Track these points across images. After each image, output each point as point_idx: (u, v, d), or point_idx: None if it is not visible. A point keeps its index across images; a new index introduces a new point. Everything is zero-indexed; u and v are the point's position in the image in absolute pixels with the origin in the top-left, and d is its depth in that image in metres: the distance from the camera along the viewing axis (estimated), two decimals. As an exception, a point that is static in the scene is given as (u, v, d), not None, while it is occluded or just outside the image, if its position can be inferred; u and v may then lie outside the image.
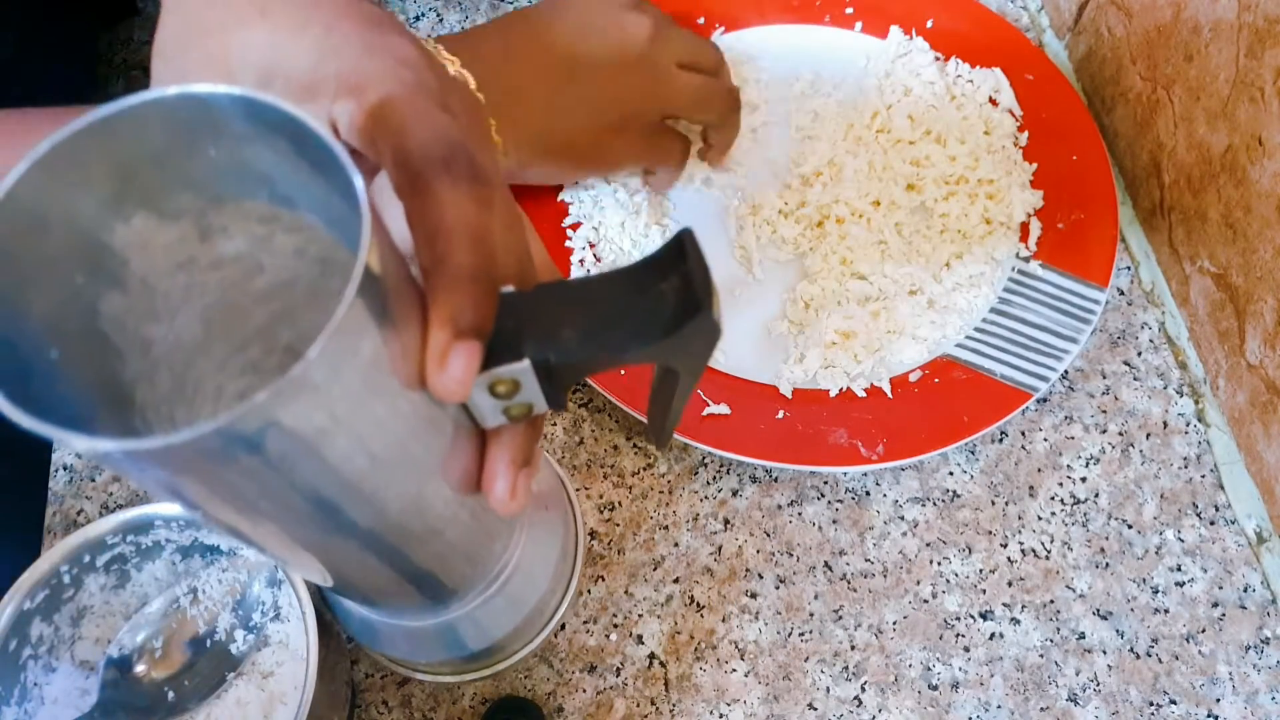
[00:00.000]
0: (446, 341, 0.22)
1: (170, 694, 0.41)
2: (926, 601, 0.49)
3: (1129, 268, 0.58)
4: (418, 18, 0.66)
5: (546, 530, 0.41)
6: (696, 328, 0.24)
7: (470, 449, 0.27)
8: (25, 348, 0.21)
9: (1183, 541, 0.50)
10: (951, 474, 0.52)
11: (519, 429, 0.27)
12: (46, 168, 0.20)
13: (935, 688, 0.47)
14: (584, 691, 0.47)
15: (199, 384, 0.27)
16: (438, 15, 0.67)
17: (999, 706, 0.47)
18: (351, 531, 0.26)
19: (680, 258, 0.25)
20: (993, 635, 0.48)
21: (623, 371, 0.51)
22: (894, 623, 0.48)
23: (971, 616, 0.49)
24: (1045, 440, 0.53)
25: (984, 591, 0.49)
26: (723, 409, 0.51)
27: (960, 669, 0.48)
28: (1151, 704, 0.47)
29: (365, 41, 0.27)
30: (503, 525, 0.36)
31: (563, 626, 0.48)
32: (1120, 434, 0.53)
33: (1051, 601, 0.49)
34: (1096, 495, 0.52)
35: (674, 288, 0.25)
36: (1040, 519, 0.51)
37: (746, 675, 0.47)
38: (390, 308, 0.21)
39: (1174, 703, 0.47)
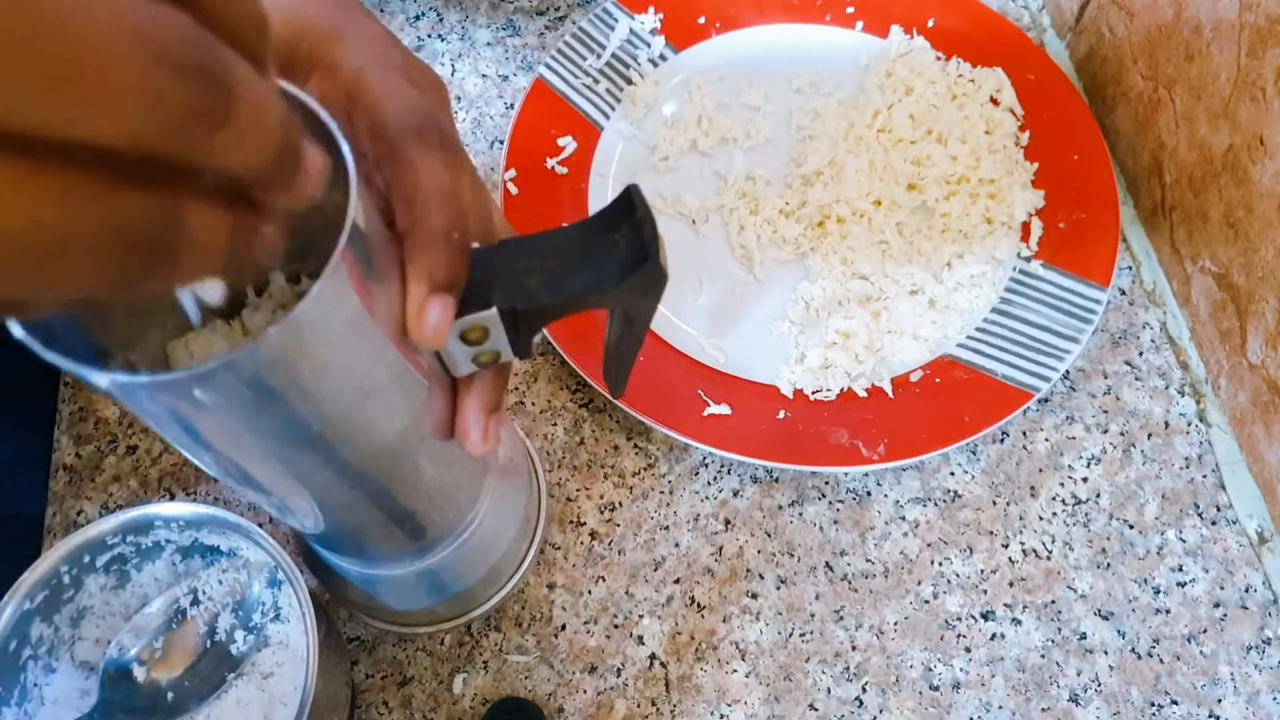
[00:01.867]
0: (424, 295, 0.25)
1: (170, 695, 0.41)
2: (928, 602, 0.49)
3: (1130, 267, 0.58)
4: (418, 17, 0.66)
5: (512, 487, 0.43)
6: (646, 273, 0.27)
7: (444, 397, 0.30)
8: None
9: (1184, 542, 0.50)
10: (953, 474, 0.52)
11: (488, 377, 0.30)
12: None
13: (936, 688, 0.47)
14: (584, 692, 0.47)
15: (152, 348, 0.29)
16: (438, 15, 0.66)
17: (1000, 707, 0.47)
18: (341, 469, 0.29)
19: (630, 210, 0.27)
20: (994, 636, 0.48)
21: (623, 371, 0.51)
22: (895, 623, 0.48)
23: (973, 617, 0.49)
24: (1046, 440, 0.53)
25: (985, 592, 0.49)
26: (723, 409, 0.51)
27: (961, 669, 0.47)
28: (1153, 704, 0.47)
29: (334, 21, 0.29)
30: (473, 475, 0.38)
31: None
32: (1122, 434, 0.53)
33: (1053, 602, 0.49)
34: (1098, 495, 0.51)
35: (625, 238, 0.27)
36: (1041, 519, 0.51)
37: (747, 676, 0.47)
38: (374, 261, 0.24)
39: (1175, 703, 0.47)
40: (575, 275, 0.27)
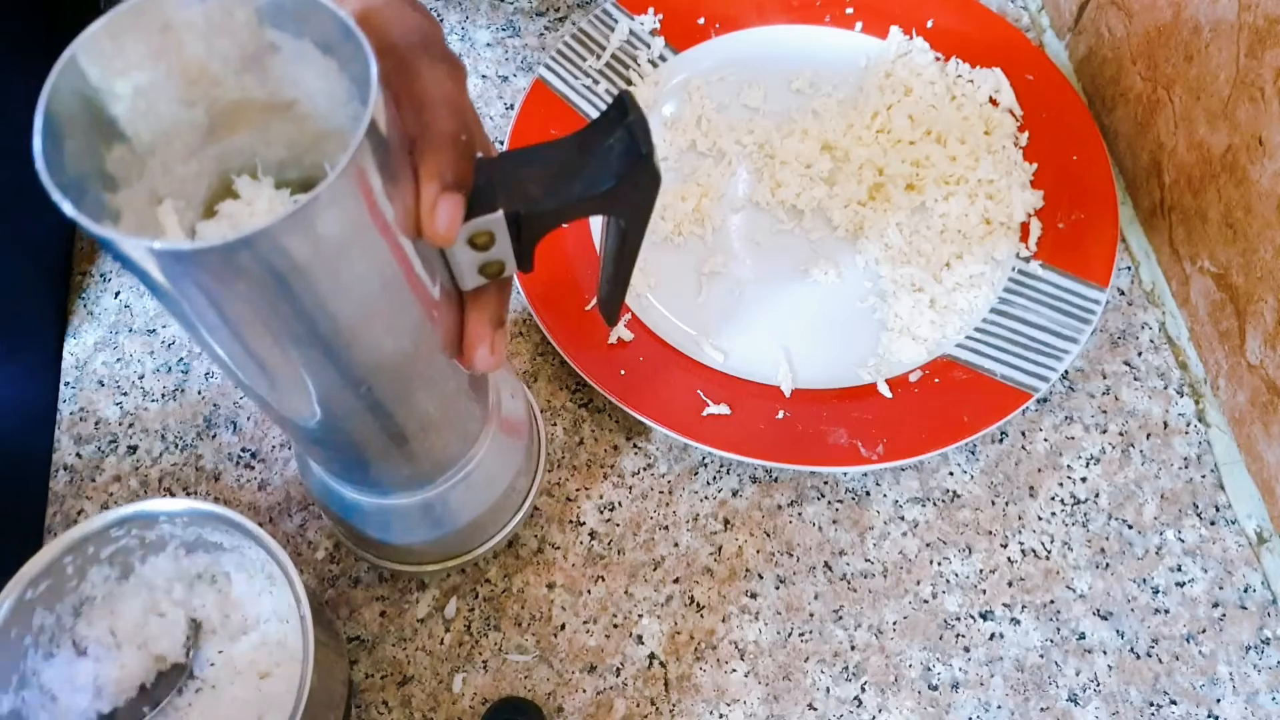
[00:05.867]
0: (436, 193, 0.26)
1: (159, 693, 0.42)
2: (927, 602, 0.49)
3: (1129, 268, 0.58)
4: (418, 18, 0.66)
5: (513, 424, 0.44)
6: (640, 173, 0.28)
7: (453, 311, 0.32)
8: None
9: (1183, 542, 0.50)
10: (952, 474, 0.52)
11: (492, 291, 0.32)
12: (93, 41, 0.24)
13: (935, 688, 0.47)
14: (584, 691, 0.47)
15: None
16: (437, 15, 0.67)
17: (999, 707, 0.47)
18: (348, 373, 0.30)
19: (623, 114, 0.28)
20: (993, 635, 0.48)
21: (623, 371, 0.52)
22: (894, 623, 0.48)
23: (971, 617, 0.49)
24: (1045, 440, 0.53)
25: (984, 592, 0.49)
26: (723, 409, 0.51)
27: (960, 669, 0.48)
28: (1152, 704, 0.47)
29: None
30: (473, 412, 0.40)
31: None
32: (1120, 434, 0.53)
33: (1052, 602, 0.49)
34: (1097, 495, 0.51)
35: (619, 140, 0.28)
36: (1040, 519, 0.51)
37: (746, 675, 0.47)
38: (390, 161, 0.25)
39: (1174, 703, 0.47)
40: (574, 178, 0.29)
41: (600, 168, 0.29)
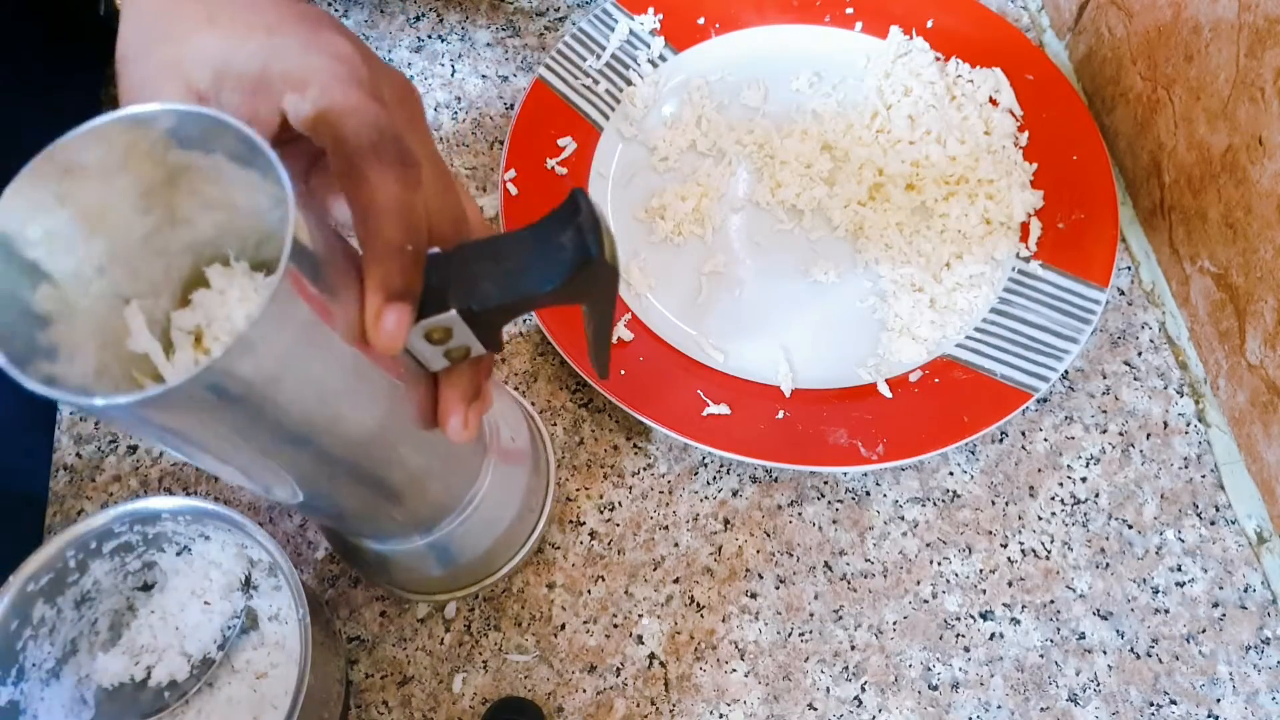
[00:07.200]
0: (380, 304, 0.27)
1: (166, 694, 0.41)
2: (927, 602, 0.49)
3: (1129, 268, 0.58)
4: (418, 18, 0.66)
5: (515, 457, 0.44)
6: (590, 272, 0.29)
7: (424, 389, 0.32)
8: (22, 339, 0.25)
9: (1183, 542, 0.50)
10: (952, 474, 0.52)
11: (464, 369, 0.32)
12: (5, 199, 0.24)
13: (935, 688, 0.47)
14: (584, 691, 0.47)
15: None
16: (438, 15, 0.66)
17: (999, 707, 0.47)
18: (326, 461, 0.30)
19: (574, 212, 0.29)
20: (993, 635, 0.48)
21: (623, 371, 0.52)
22: (894, 623, 0.48)
23: (971, 617, 0.49)
24: (1045, 440, 0.53)
25: (984, 592, 0.49)
26: (723, 409, 0.51)
27: (960, 669, 0.48)
28: (1152, 704, 0.47)
29: (305, 41, 0.30)
30: (469, 456, 0.40)
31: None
32: (1120, 434, 0.53)
33: (1052, 602, 0.49)
34: (1097, 495, 0.51)
35: (570, 239, 0.29)
36: (1040, 519, 0.51)
37: (746, 675, 0.47)
38: (326, 275, 0.25)
39: (1174, 703, 0.47)
40: (524, 276, 0.29)
41: (551, 265, 0.29)
